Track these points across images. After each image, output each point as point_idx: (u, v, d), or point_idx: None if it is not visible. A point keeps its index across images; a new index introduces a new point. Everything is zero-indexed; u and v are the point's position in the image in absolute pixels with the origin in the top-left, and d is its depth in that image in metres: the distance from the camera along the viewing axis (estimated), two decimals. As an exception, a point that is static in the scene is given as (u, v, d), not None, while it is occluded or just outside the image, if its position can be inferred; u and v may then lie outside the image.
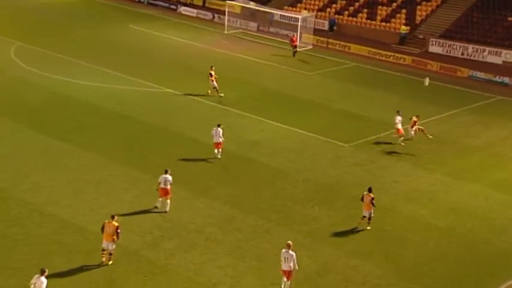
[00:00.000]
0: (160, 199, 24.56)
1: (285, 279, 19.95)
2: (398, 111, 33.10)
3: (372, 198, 23.95)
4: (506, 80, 44.60)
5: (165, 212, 24.40)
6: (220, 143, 29.02)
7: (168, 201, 24.48)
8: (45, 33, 50.28)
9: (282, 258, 20.03)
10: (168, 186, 24.27)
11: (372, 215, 24.10)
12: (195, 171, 28.48)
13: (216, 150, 29.04)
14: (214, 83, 37.43)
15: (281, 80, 42.84)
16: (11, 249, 21.71)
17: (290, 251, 19.98)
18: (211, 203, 25.73)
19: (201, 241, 22.92)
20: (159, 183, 24.36)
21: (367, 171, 29.63)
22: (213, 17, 59.04)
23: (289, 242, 20.27)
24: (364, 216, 24.13)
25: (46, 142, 30.42)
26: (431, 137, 32.55)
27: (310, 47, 51.46)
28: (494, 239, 24.20)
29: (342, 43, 51.60)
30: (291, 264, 19.82)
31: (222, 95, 37.43)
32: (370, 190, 24.28)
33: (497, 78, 44.79)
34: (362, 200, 24.20)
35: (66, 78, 39.46)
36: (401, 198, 27.25)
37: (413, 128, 32.73)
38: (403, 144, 32.17)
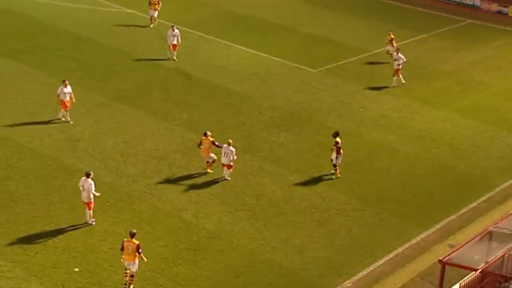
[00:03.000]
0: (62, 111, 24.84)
1: (226, 170, 22.31)
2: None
3: (336, 143, 22.61)
4: (477, 2, 44.31)
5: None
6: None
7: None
8: None
9: (223, 153, 22.00)
10: (67, 98, 24.62)
11: (338, 161, 22.80)
12: (157, 97, 28.00)
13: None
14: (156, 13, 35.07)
15: (248, 2, 41.76)
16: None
17: (231, 147, 22.02)
18: (175, 129, 25.48)
19: (165, 167, 22.83)
20: (59, 95, 24.59)
21: (334, 98, 29.57)
22: None
23: (230, 140, 22.17)
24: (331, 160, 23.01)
25: (-1, 63, 29.48)
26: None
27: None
28: (460, 164, 24.70)
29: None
30: (231, 158, 22.10)
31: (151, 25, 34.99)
32: (336, 134, 22.85)
33: (468, 1, 44.47)
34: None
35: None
36: (368, 124, 27.40)
37: (394, 46, 32.29)
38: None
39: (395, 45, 32.78)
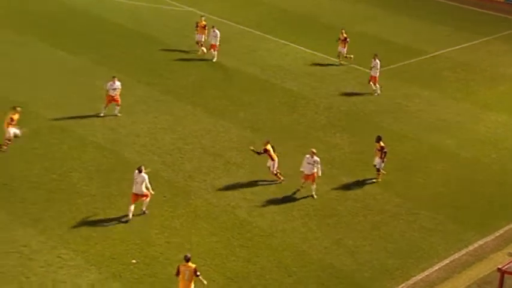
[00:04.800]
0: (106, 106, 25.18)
1: (310, 183, 21.16)
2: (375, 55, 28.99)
3: (382, 148, 21.87)
4: (544, 5, 42.68)
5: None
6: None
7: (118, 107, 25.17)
8: None
9: (305, 163, 20.97)
10: (115, 94, 24.84)
11: (382, 166, 22.13)
12: (214, 95, 28.22)
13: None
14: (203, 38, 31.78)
15: (303, 2, 41.55)
16: (31, 163, 22.04)
17: (315, 157, 20.93)
18: (231, 127, 25.61)
19: (220, 164, 22.98)
20: (108, 90, 24.89)
21: (391, 99, 29.07)
22: None
23: (313, 149, 21.10)
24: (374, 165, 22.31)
25: (61, 58, 30.33)
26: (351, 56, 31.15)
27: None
28: (520, 172, 23.84)
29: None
30: (314, 170, 20.97)
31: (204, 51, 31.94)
32: (379, 139, 22.15)
33: (535, 4, 42.90)
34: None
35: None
36: (426, 127, 26.80)
37: (345, 47, 31.14)
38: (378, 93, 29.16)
39: (346, 46, 31.05)
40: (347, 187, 22.16)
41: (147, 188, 19.63)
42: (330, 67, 31.99)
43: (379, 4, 42.00)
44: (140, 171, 19.52)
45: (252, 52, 32.90)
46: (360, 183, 22.44)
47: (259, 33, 35.13)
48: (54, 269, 17.45)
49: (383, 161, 22.25)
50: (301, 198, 21.41)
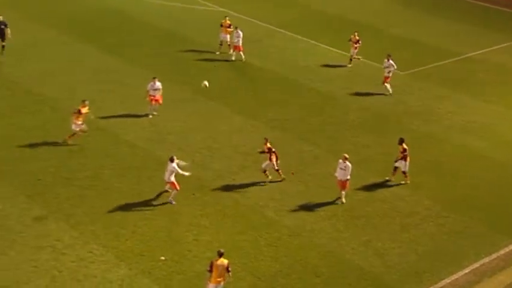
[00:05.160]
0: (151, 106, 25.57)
1: (340, 190, 20.92)
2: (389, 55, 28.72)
3: (404, 150, 21.71)
4: None
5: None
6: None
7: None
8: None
9: (339, 168, 20.71)
10: (156, 94, 25.24)
11: (407, 168, 21.86)
12: (244, 95, 28.31)
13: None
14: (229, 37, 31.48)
15: (337, 3, 41.37)
16: (66, 159, 22.46)
17: (347, 162, 20.62)
18: (261, 126, 25.67)
19: (250, 164, 23.05)
20: (148, 91, 25.26)
21: (422, 101, 28.76)
22: None
23: (345, 154, 20.80)
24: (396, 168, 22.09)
25: (97, 56, 30.79)
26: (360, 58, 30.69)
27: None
28: (553, 176, 23.34)
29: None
30: (348, 177, 20.71)
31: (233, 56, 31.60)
32: (401, 141, 21.92)
33: None
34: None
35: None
36: (456, 129, 26.45)
37: (356, 48, 30.68)
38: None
39: (357, 48, 30.60)
40: (375, 188, 22.01)
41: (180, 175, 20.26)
42: (360, 68, 31.79)
43: (413, 5, 41.57)
44: (172, 161, 20.12)
45: (282, 52, 32.91)
46: (389, 185, 22.26)
47: (290, 33, 35.09)
48: (85, 264, 17.76)
49: (405, 164, 21.96)
50: (330, 198, 21.33)
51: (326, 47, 33.73)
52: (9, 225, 19.04)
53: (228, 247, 18.34)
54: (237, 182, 21.96)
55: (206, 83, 25.28)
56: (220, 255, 16.28)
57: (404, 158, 21.95)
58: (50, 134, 23.88)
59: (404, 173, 22.19)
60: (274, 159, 21.68)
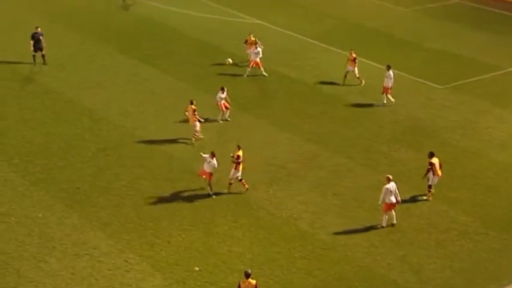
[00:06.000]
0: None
1: (392, 212, 20.61)
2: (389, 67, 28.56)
3: (430, 164, 21.56)
4: None
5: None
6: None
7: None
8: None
9: (388, 192, 20.33)
10: (222, 102, 26.57)
11: (434, 182, 21.83)
12: (278, 107, 28.66)
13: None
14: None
15: (374, 15, 41.52)
16: (102, 169, 23.15)
17: (392, 183, 20.42)
18: (295, 139, 25.97)
19: (283, 176, 23.35)
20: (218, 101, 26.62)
21: (460, 116, 28.65)
22: None
23: (389, 175, 20.64)
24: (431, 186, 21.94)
25: (134, 66, 31.68)
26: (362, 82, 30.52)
27: (409, -20, 49.12)
28: None
29: (445, -23, 48.71)
30: (398, 198, 20.51)
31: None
32: (431, 155, 21.79)
33: None
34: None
35: (155, 3, 40.34)
36: (496, 145, 26.28)
37: (355, 66, 30.27)
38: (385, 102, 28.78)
39: (356, 65, 30.26)
40: (412, 203, 22.03)
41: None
42: (396, 81, 31.75)
43: (450, 19, 41.42)
44: (213, 157, 21.44)
45: (317, 64, 33.20)
46: (425, 200, 22.24)
47: (325, 45, 35.37)
48: (121, 272, 18.27)
49: (432, 178, 21.93)
50: (364, 212, 21.44)
51: (361, 59, 33.84)
52: (49, 233, 19.77)
53: (261, 259, 18.64)
54: (271, 194, 22.28)
55: (230, 60, 28.44)
56: (248, 276, 16.27)
57: (431, 172, 21.88)
58: (88, 143, 24.67)
59: (429, 187, 22.11)
60: (240, 168, 21.80)
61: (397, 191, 20.60)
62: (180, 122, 26.43)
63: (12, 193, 21.51)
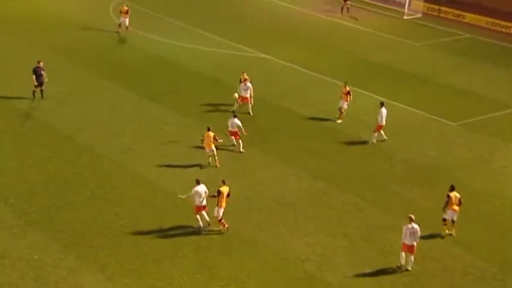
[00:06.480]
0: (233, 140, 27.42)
1: (410, 255, 20.26)
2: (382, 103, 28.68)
3: (448, 196, 21.76)
4: None
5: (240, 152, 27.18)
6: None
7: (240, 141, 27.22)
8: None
9: (408, 233, 20.02)
10: (235, 129, 27.07)
11: (449, 217, 22.00)
12: (287, 143, 28.54)
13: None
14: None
15: (384, 50, 41.73)
16: (101, 208, 22.92)
17: (414, 224, 20.05)
18: (302, 176, 25.75)
19: (290, 215, 23.06)
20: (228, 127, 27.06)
21: (474, 154, 28.40)
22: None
23: (411, 215, 20.29)
24: (445, 219, 22.20)
25: (138, 103, 31.64)
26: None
27: (420, 15, 49.58)
28: None
29: (456, 11, 49.21)
30: (417, 241, 20.12)
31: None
32: (452, 189, 22.03)
33: None
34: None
35: (160, 38, 40.62)
36: (511, 185, 25.92)
37: (348, 100, 30.16)
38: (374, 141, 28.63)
39: (349, 100, 30.16)
40: (425, 245, 21.62)
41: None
42: (408, 119, 31.74)
43: (462, 54, 41.55)
44: (198, 183, 21.60)
45: (326, 100, 33.16)
46: (440, 242, 21.86)
47: (335, 81, 35.42)
48: (119, 317, 17.87)
49: (449, 212, 21.90)
50: (374, 254, 21.06)
51: (372, 95, 33.87)
52: (44, 276, 19.42)
53: (267, 303, 18.22)
54: (277, 234, 21.94)
55: (236, 95, 29.83)
56: None
57: (448, 207, 21.77)
58: (87, 182, 24.47)
59: (443, 220, 21.97)
60: (222, 205, 21.55)
61: (418, 234, 20.18)
62: (185, 160, 26.31)
63: (7, 234, 21.22)
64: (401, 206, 23.88)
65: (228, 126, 27.19)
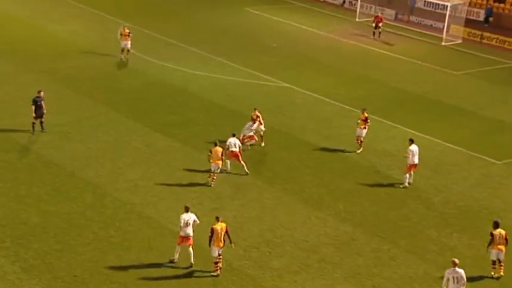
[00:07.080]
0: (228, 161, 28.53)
1: None
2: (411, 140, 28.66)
3: (491, 235, 22.28)
4: None
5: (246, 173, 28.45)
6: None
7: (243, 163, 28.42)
8: (153, 14, 52.83)
9: (451, 278, 20.16)
10: (237, 149, 28.29)
11: (493, 257, 22.45)
12: (310, 181, 28.71)
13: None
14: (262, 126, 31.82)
15: (420, 80, 42.04)
16: (104, 253, 23.13)
17: (458, 269, 20.21)
18: (328, 219, 25.84)
19: (314, 262, 23.11)
20: (228, 147, 28.16)
21: (522, 195, 28.33)
22: (344, 2, 59.15)
23: (455, 259, 20.45)
24: (494, 261, 22.54)
25: (147, 136, 32.05)
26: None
27: (460, 41, 50.01)
28: None
29: (500, 37, 49.60)
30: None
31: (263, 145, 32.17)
32: (496, 225, 22.38)
33: None
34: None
35: (172, 65, 41.37)
36: None
37: (365, 128, 30.70)
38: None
39: (367, 127, 30.83)
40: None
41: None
42: (447, 156, 31.78)
43: (500, 83, 41.69)
44: (187, 211, 22.21)
45: (352, 134, 33.28)
46: (491, 278, 21.77)
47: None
48: None
49: (494, 252, 22.25)
50: (409, 309, 20.97)
51: (405, 129, 34.03)
52: (40, 327, 19.53)
53: None
54: (299, 284, 21.96)
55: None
56: None
57: (492, 246, 22.04)
58: (90, 223, 24.73)
59: (499, 261, 22.21)
60: (220, 245, 22.00)
61: (464, 280, 20.25)
62: (196, 199, 26.54)
63: (0, 282, 21.39)
64: (439, 255, 23.81)
65: (227, 148, 27.92)
